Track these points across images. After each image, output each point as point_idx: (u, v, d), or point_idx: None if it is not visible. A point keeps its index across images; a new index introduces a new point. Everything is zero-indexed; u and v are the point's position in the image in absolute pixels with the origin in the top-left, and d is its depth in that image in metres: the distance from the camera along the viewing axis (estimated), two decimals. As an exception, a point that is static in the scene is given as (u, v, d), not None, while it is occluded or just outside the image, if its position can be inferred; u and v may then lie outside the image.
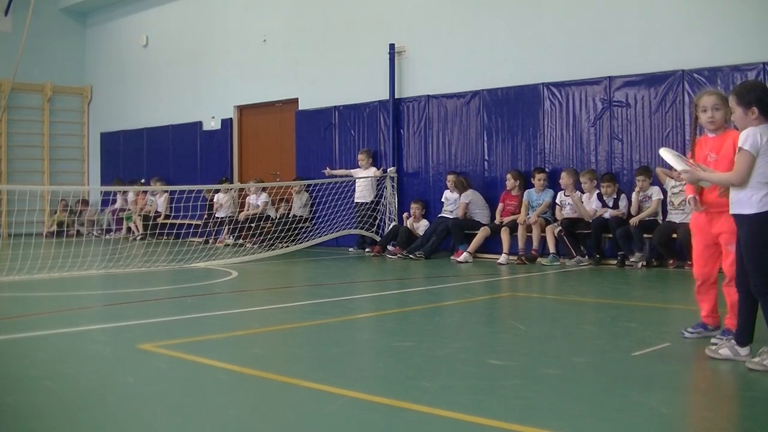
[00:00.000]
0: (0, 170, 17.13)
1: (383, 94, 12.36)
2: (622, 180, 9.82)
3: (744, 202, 3.99)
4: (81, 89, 18.56)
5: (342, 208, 12.40)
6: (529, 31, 10.88)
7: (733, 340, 4.16)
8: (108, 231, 16.32)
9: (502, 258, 9.97)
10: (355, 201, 12.40)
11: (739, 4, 9.10)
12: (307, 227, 12.85)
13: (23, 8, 15.40)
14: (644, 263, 9.12)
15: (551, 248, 9.81)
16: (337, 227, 12.31)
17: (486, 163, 11.25)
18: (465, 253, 10.27)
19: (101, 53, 18.32)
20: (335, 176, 12.65)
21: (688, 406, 3.56)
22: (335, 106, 13.15)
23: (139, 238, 14.93)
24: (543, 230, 9.99)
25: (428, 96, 11.89)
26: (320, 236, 12.26)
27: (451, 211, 11.11)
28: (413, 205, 11.65)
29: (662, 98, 9.55)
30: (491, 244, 10.51)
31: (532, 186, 10.44)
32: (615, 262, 9.35)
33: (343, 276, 9.22)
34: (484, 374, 3.93)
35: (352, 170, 12.59)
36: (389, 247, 11.45)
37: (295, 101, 13.95)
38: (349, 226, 12.34)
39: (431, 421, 3.13)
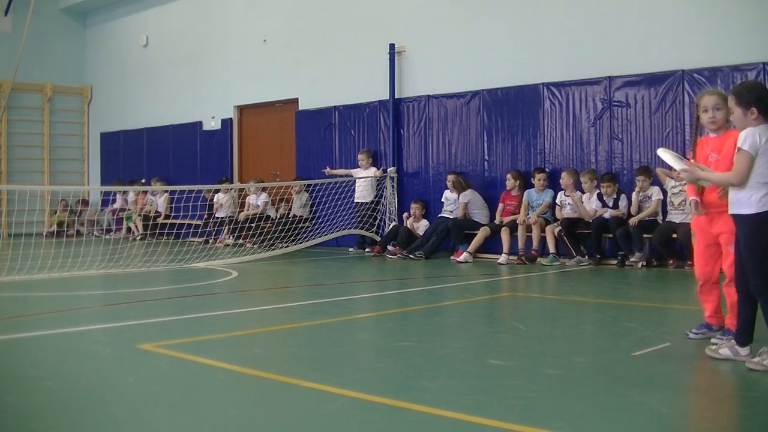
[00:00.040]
0: (0, 170, 17.14)
1: (383, 94, 12.36)
2: (622, 180, 9.82)
3: (743, 203, 3.99)
4: (81, 89, 18.57)
5: (342, 208, 12.40)
6: (529, 31, 10.88)
7: (733, 340, 4.16)
8: (108, 231, 16.33)
9: (502, 258, 9.97)
10: (355, 201, 12.40)
11: (739, 4, 9.11)
12: (307, 227, 12.85)
13: (23, 8, 15.40)
14: (644, 263, 9.12)
15: (551, 248, 9.81)
16: (337, 227, 12.31)
17: (486, 163, 11.25)
18: (465, 253, 10.27)
19: (101, 53, 18.33)
20: (335, 176, 12.66)
21: (688, 406, 3.56)
22: (335, 106, 13.15)
23: (139, 238, 14.93)
24: (543, 230, 9.99)
25: (428, 96, 11.89)
26: (320, 236, 12.26)
27: (451, 211, 11.11)
28: (413, 205, 11.65)
29: (662, 98, 9.55)
30: (491, 244, 10.51)
31: (532, 186, 10.44)
32: (615, 262, 9.35)
33: (343, 276, 9.22)
34: (484, 374, 3.93)
35: (352, 170, 12.59)
36: (389, 247, 11.45)
37: (295, 101, 13.95)
38: (349, 226, 12.34)
39: (431, 421, 3.13)
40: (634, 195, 9.39)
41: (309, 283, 8.59)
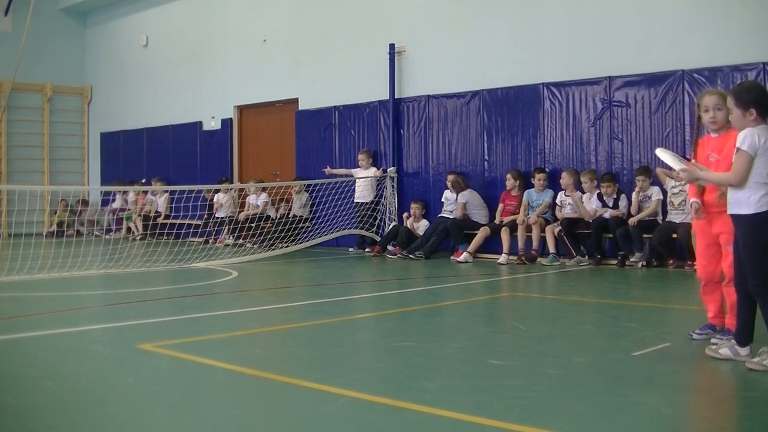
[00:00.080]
0: (0, 170, 17.13)
1: (383, 94, 12.36)
2: (622, 180, 9.82)
3: (742, 203, 3.99)
4: (81, 89, 18.57)
5: (342, 208, 12.40)
6: (529, 31, 10.88)
7: (733, 340, 4.16)
8: (108, 231, 16.33)
9: (502, 258, 9.97)
10: (355, 201, 12.40)
11: (739, 4, 9.10)
12: (307, 227, 12.85)
13: (23, 8, 15.40)
14: (644, 263, 9.12)
15: (551, 248, 9.81)
16: (337, 227, 12.31)
17: (486, 163, 11.25)
18: (465, 253, 10.27)
19: (101, 53, 18.33)
20: (335, 175, 12.66)
21: (688, 406, 3.56)
22: (335, 106, 13.15)
23: (139, 238, 14.93)
24: (543, 230, 9.99)
25: (428, 96, 11.89)
26: (320, 236, 12.26)
27: (451, 211, 11.11)
28: (413, 205, 11.65)
29: (662, 98, 9.55)
30: (491, 244, 10.51)
31: (532, 186, 10.44)
32: (615, 262, 9.35)
33: (343, 276, 9.22)
34: (484, 374, 3.93)
35: (352, 170, 12.59)
36: (389, 247, 11.45)
37: (295, 101, 13.95)
38: (349, 226, 12.34)
39: (431, 421, 3.13)
40: (634, 195, 9.39)
41: (309, 283, 8.60)
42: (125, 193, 16.19)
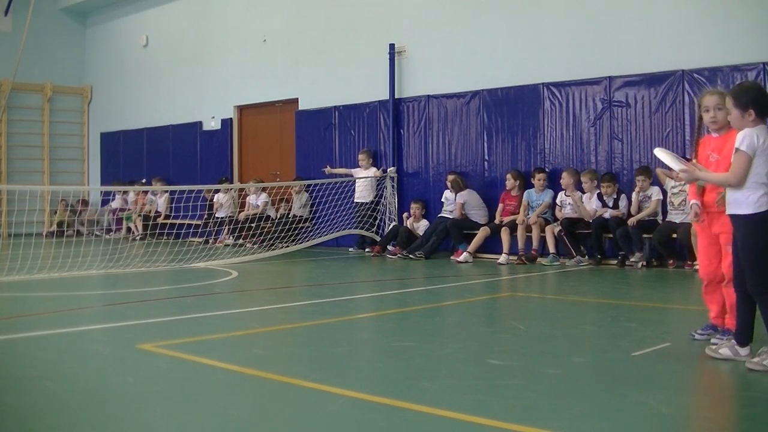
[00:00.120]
0: (0, 170, 17.13)
1: (383, 94, 12.36)
2: (622, 180, 9.82)
3: (741, 203, 3.99)
4: (81, 89, 18.57)
5: (342, 208, 12.40)
6: (529, 31, 10.88)
7: (733, 340, 4.16)
8: (108, 231, 16.34)
9: (502, 258, 9.97)
10: (355, 201, 12.40)
11: (739, 4, 9.10)
12: (307, 227, 12.85)
13: (23, 8, 15.41)
14: (644, 263, 9.12)
15: (551, 248, 9.81)
16: (337, 227, 12.31)
17: (486, 163, 11.25)
18: (465, 253, 10.27)
19: (101, 53, 18.33)
20: (335, 174, 12.66)
21: (688, 406, 3.56)
22: (335, 106, 13.15)
23: (139, 238, 14.93)
24: (543, 230, 9.99)
25: (428, 96, 11.89)
26: (320, 236, 12.26)
27: (451, 211, 11.10)
28: (413, 205, 11.65)
29: (662, 98, 9.55)
30: (491, 244, 10.51)
31: (532, 186, 10.44)
32: (615, 262, 9.35)
33: (343, 276, 9.22)
34: (484, 374, 3.93)
35: (352, 170, 12.59)
36: (389, 247, 11.45)
37: (295, 101, 13.95)
38: (349, 226, 12.34)
39: (431, 421, 3.13)
40: (634, 195, 9.39)
41: (309, 283, 8.60)
42: (125, 193, 16.19)
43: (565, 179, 9.99)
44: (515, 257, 9.99)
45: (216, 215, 13.97)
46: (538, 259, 9.88)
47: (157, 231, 13.32)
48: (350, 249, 12.33)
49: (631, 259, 9.21)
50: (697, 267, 7.48)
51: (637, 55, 9.85)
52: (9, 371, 4.11)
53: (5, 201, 15.99)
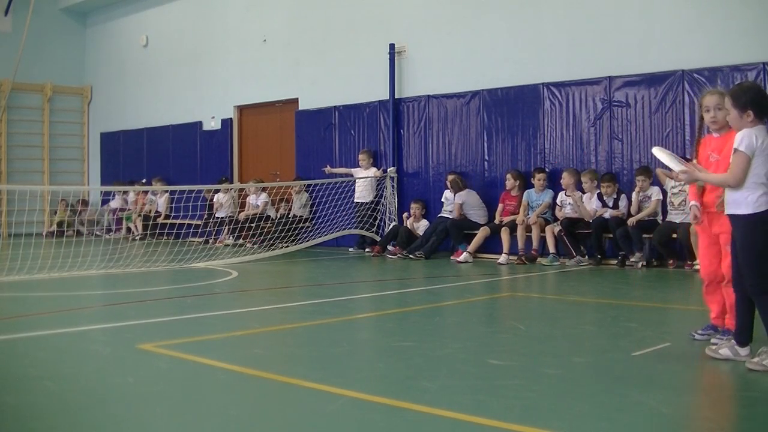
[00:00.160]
0: (0, 170, 17.13)
1: (383, 94, 12.36)
2: (622, 180, 9.82)
3: (740, 203, 3.99)
4: (81, 89, 18.57)
5: (342, 208, 12.40)
6: (529, 31, 10.88)
7: (733, 340, 4.16)
8: (108, 231, 16.34)
9: (502, 258, 9.97)
10: (355, 201, 12.40)
11: (739, 4, 9.10)
12: (307, 227, 12.85)
13: (23, 8, 15.41)
14: (644, 263, 9.12)
15: (551, 248, 9.81)
16: (337, 227, 12.31)
17: (486, 163, 11.24)
18: (465, 253, 10.27)
19: (101, 53, 18.33)
20: (335, 174, 12.66)
21: (688, 406, 3.56)
22: (335, 106, 13.15)
23: (138, 238, 14.93)
24: (543, 230, 9.99)
25: (428, 96, 11.89)
26: (320, 236, 12.26)
27: (451, 211, 11.10)
28: (413, 205, 11.65)
29: (662, 98, 9.55)
30: (491, 244, 10.51)
31: (532, 186, 10.44)
32: (615, 262, 9.35)
33: (343, 276, 9.22)
34: (484, 374, 3.93)
35: (352, 169, 12.59)
36: (389, 247, 11.45)
37: (295, 101, 13.95)
38: (349, 226, 12.34)
39: (431, 421, 3.13)
40: (634, 195, 9.39)
41: (309, 283, 8.60)
42: (125, 193, 16.19)
43: (565, 179, 9.99)
44: (515, 257, 9.99)
45: (216, 215, 13.97)
46: (538, 259, 9.88)
47: (157, 231, 13.32)
48: (350, 249, 12.33)
49: (631, 259, 9.21)
50: (697, 267, 7.52)
51: (637, 55, 9.85)
52: (9, 371, 4.11)
53: (5, 201, 15.99)
